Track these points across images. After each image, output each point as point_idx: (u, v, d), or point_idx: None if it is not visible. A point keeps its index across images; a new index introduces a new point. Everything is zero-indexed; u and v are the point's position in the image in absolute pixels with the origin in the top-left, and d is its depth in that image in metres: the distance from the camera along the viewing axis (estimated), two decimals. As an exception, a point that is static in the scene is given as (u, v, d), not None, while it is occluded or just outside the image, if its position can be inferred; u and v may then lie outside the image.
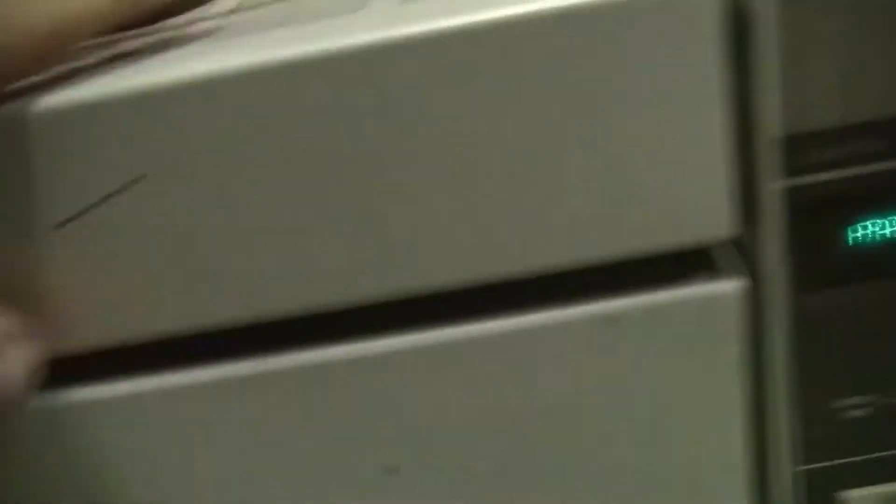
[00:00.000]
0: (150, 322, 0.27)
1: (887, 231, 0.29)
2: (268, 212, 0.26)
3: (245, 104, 0.25)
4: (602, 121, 0.25)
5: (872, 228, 0.29)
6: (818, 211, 0.28)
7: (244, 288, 0.27)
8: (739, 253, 0.29)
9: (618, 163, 0.26)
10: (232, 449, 0.28)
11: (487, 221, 0.26)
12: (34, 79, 0.26)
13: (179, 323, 0.27)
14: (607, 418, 0.28)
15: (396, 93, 0.25)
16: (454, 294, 0.27)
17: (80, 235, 0.26)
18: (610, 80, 0.25)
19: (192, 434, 0.28)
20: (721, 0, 0.25)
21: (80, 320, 0.27)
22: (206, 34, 0.29)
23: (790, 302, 0.29)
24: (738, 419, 0.29)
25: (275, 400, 0.28)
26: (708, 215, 0.27)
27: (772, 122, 0.27)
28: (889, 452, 0.31)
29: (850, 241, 0.29)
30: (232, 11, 0.32)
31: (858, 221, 0.29)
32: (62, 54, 0.25)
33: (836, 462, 0.31)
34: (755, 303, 0.28)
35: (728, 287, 0.28)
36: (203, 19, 0.32)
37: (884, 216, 0.29)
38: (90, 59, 0.28)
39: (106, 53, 0.29)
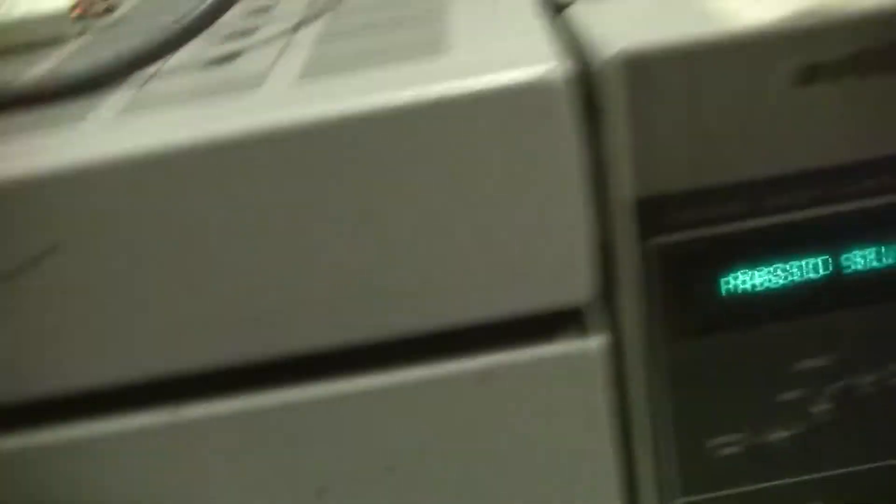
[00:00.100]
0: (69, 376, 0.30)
1: (757, 281, 0.31)
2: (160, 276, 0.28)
3: (144, 187, 0.27)
4: (470, 195, 0.28)
5: (742, 279, 0.31)
6: (687, 266, 0.30)
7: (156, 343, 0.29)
8: (609, 308, 0.31)
9: (484, 232, 0.28)
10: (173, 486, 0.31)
11: (365, 288, 0.29)
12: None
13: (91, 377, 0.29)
14: (480, 470, 0.31)
15: (277, 178, 0.27)
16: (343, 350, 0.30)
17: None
18: (478, 159, 0.27)
19: (138, 473, 0.31)
20: (573, 87, 0.27)
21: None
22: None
23: (664, 350, 0.31)
24: (609, 470, 0.31)
25: (214, 437, 0.30)
26: (569, 279, 0.29)
27: (623, 187, 0.29)
28: (759, 486, 0.33)
29: (723, 292, 0.31)
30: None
31: (726, 274, 0.31)
32: None
33: (711, 496, 0.33)
34: (622, 355, 0.31)
35: (594, 343, 0.30)
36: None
37: (752, 268, 0.31)
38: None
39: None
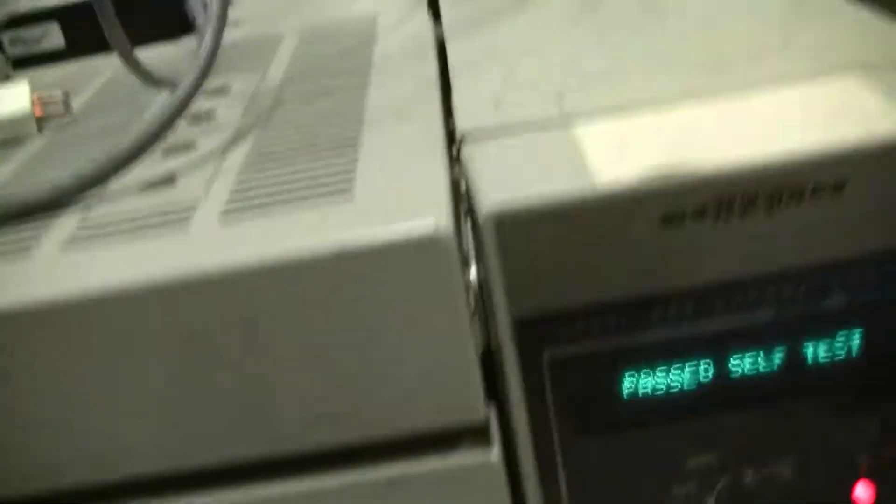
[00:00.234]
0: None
1: (645, 387, 0.34)
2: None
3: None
4: (368, 331, 0.31)
5: (630, 385, 0.34)
6: (577, 374, 0.33)
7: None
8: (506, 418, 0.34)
9: (383, 363, 0.32)
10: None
11: (284, 408, 0.32)
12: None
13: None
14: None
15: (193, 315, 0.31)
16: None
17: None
18: (374, 301, 0.31)
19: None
20: (455, 244, 0.30)
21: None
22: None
23: (563, 449, 0.34)
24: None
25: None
26: (462, 399, 0.32)
27: (502, 311, 0.32)
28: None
29: (613, 396, 0.34)
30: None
31: (616, 379, 0.34)
32: None
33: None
34: (518, 462, 0.34)
35: (494, 453, 0.33)
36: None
37: (640, 374, 0.34)
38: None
39: None
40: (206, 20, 0.40)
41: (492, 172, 0.32)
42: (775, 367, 0.33)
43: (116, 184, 0.37)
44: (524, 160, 0.32)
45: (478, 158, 0.33)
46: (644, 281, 0.32)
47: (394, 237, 0.30)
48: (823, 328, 0.33)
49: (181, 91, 0.38)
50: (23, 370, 0.31)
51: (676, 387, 0.33)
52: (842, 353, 0.33)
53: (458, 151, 0.34)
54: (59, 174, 0.38)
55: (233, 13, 0.60)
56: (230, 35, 0.53)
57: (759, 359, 0.33)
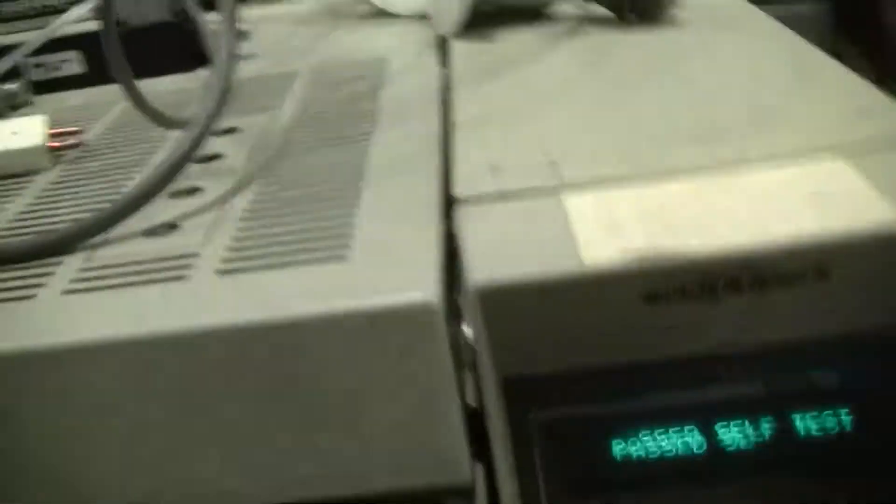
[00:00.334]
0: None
1: (632, 452, 0.34)
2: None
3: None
4: (359, 394, 0.32)
5: (619, 450, 0.34)
6: (565, 437, 0.34)
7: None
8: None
9: (366, 420, 0.33)
10: None
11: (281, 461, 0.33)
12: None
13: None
14: None
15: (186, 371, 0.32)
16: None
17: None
18: (361, 366, 0.32)
19: None
20: (442, 315, 0.31)
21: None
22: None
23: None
24: None
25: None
26: (446, 464, 0.33)
27: (489, 372, 0.32)
28: None
29: (603, 461, 0.34)
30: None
31: (602, 445, 0.34)
32: None
33: None
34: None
35: None
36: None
37: (629, 441, 0.34)
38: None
39: None
40: (215, 67, 0.41)
41: (481, 244, 0.33)
42: (765, 438, 0.34)
43: (122, 226, 0.38)
44: (514, 233, 0.33)
45: (470, 227, 0.34)
46: (630, 351, 0.32)
47: (384, 306, 0.31)
48: (812, 402, 0.34)
49: (185, 141, 0.39)
50: (17, 412, 0.33)
51: (668, 453, 0.34)
52: (832, 427, 0.34)
53: (453, 216, 0.35)
54: (65, 218, 0.39)
55: (248, 47, 0.61)
56: (244, 69, 0.54)
57: (748, 429, 0.34)
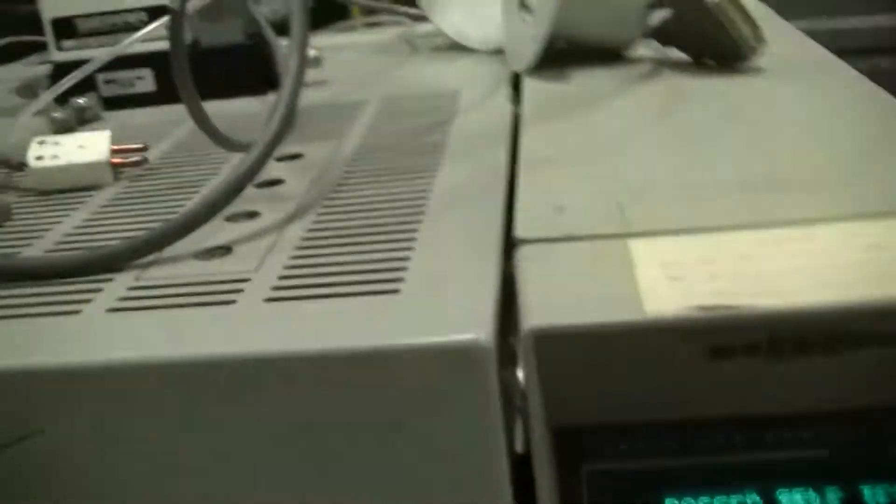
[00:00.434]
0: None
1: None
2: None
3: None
4: (404, 431, 0.31)
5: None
6: (615, 493, 0.32)
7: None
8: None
9: (409, 459, 0.31)
10: None
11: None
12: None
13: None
14: None
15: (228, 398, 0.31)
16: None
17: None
18: (407, 402, 0.31)
19: None
20: (494, 358, 0.30)
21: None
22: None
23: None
24: None
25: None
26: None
27: (540, 421, 0.31)
28: None
29: None
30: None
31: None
32: None
33: None
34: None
35: None
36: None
37: (679, 500, 0.33)
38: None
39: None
40: (280, 91, 0.40)
41: (540, 286, 0.31)
42: (833, 509, 0.32)
43: (176, 246, 0.38)
44: (575, 277, 0.32)
45: (529, 269, 0.33)
46: (690, 407, 0.31)
47: (434, 343, 0.30)
48: (883, 473, 0.32)
49: (244, 164, 0.38)
50: (54, 428, 0.32)
51: (720, 514, 0.32)
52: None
53: (513, 256, 0.34)
54: (119, 235, 0.38)
55: (320, 74, 0.61)
56: (313, 96, 0.54)
57: (812, 497, 0.32)
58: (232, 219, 0.41)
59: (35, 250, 0.40)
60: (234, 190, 0.38)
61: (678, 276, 0.31)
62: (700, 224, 0.34)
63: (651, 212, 0.36)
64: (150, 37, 0.57)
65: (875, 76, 0.49)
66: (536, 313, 0.30)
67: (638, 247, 0.33)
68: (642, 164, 0.41)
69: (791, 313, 0.29)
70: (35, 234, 0.42)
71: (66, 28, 0.63)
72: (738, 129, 0.44)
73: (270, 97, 0.57)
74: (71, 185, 0.47)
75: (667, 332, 0.29)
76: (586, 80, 0.54)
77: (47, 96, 0.57)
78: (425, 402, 0.31)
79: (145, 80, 0.62)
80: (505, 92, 0.54)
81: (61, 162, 0.48)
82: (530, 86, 0.54)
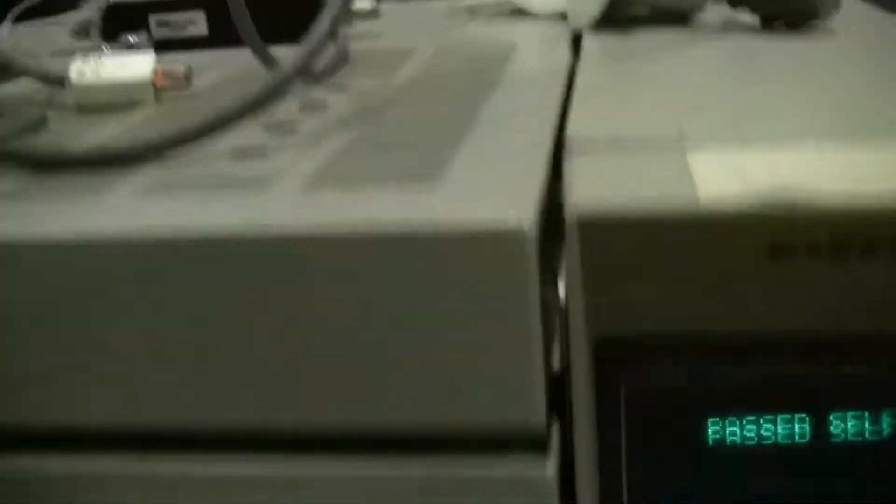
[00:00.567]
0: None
1: (728, 436, 0.30)
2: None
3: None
4: (434, 318, 0.29)
5: (714, 431, 0.30)
6: (657, 410, 0.30)
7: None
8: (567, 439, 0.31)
9: (437, 346, 0.29)
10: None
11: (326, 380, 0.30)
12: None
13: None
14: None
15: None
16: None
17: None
18: (441, 286, 0.29)
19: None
20: (535, 243, 0.28)
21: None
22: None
23: (630, 493, 0.30)
24: None
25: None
26: (521, 400, 0.29)
27: (580, 327, 0.29)
28: None
29: (706, 442, 0.30)
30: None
31: (698, 425, 0.30)
32: None
33: None
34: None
35: (546, 467, 0.30)
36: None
37: (726, 421, 0.30)
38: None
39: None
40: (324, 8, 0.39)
41: (590, 177, 0.29)
42: (884, 435, 0.29)
43: (209, 148, 0.36)
44: (627, 172, 0.30)
45: (578, 161, 0.31)
46: (743, 316, 0.28)
47: (472, 227, 0.28)
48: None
49: (287, 66, 0.36)
50: (66, 300, 0.30)
51: (768, 441, 0.30)
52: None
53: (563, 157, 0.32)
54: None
55: (376, 26, 0.60)
56: (367, 45, 0.53)
57: (866, 422, 0.29)
58: (270, 128, 0.39)
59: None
60: (273, 90, 0.36)
61: (738, 177, 0.29)
62: (763, 137, 0.32)
63: (710, 127, 0.34)
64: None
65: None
66: (583, 200, 0.28)
67: (696, 153, 0.31)
68: (700, 102, 0.38)
69: (857, 211, 0.27)
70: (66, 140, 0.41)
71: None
72: (802, 83, 0.41)
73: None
74: (111, 103, 0.46)
75: (723, 223, 0.27)
76: (649, 37, 0.52)
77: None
78: (462, 291, 0.29)
79: (198, 25, 0.61)
80: (564, 46, 0.52)
81: (103, 79, 0.46)
82: (590, 41, 0.52)
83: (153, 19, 0.61)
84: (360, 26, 0.60)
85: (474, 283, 0.28)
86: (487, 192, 0.30)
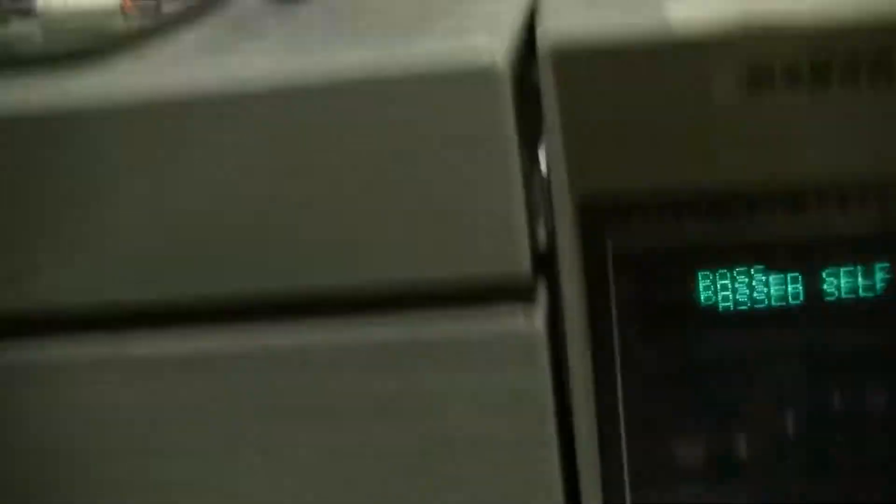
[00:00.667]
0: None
1: (719, 292, 0.30)
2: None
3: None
4: (412, 162, 0.29)
5: (706, 287, 0.30)
6: (644, 267, 0.30)
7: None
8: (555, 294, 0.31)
9: (427, 201, 0.29)
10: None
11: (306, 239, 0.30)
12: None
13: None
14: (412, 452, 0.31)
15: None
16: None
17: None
18: (421, 129, 0.28)
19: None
20: (514, 74, 0.28)
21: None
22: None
23: (623, 354, 0.30)
24: (551, 456, 0.31)
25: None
26: (506, 249, 0.29)
27: (562, 189, 0.29)
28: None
29: (696, 300, 0.30)
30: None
31: (688, 281, 0.30)
32: None
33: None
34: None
35: (538, 320, 0.30)
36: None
37: (715, 278, 0.30)
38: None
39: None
40: None
41: (561, 10, 0.29)
42: (878, 289, 0.29)
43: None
44: (599, 4, 0.29)
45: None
46: (727, 165, 0.28)
47: (447, 64, 0.28)
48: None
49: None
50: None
51: (759, 297, 0.30)
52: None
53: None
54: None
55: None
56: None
57: (858, 277, 0.29)
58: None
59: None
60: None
61: (711, 6, 0.28)
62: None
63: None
64: None
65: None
66: (554, 31, 0.27)
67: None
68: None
69: (835, 27, 0.26)
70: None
71: None
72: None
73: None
74: (80, 29, 0.45)
75: (699, 46, 0.26)
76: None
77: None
78: (436, 127, 0.28)
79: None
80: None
81: (71, 4, 0.45)
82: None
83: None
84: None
85: (452, 124, 0.28)
86: (463, 33, 0.30)
